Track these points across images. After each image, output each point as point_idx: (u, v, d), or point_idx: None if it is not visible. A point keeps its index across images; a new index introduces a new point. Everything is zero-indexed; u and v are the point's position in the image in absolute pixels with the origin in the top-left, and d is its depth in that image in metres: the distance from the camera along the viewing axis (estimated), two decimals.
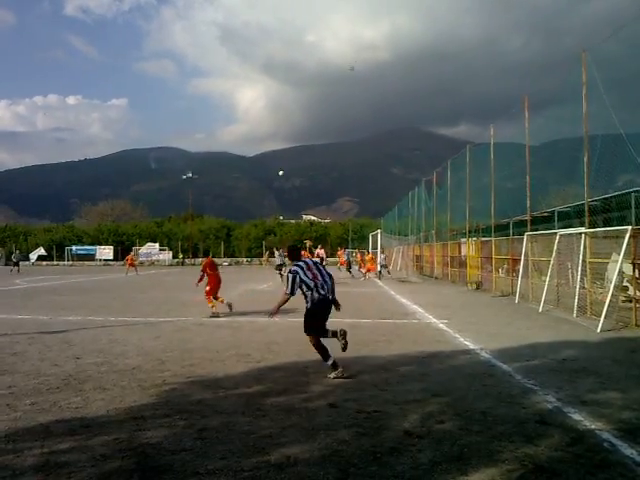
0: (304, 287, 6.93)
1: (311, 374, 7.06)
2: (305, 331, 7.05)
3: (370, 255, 33.38)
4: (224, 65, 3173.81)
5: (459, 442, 4.55)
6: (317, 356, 7.02)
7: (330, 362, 6.90)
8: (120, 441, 4.59)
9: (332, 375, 6.79)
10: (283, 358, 8.12)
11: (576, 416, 5.26)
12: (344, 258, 34.93)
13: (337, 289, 7.37)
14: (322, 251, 34.83)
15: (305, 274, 6.94)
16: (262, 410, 5.50)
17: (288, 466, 4.06)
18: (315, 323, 7.01)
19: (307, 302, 7.02)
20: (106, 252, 66.46)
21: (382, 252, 32.36)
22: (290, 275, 6.95)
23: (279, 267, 27.69)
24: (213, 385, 6.51)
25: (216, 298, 13.70)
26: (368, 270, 30.27)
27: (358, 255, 37.19)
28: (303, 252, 30.82)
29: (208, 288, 13.61)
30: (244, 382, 6.67)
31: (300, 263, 7.12)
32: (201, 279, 13.70)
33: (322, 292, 6.96)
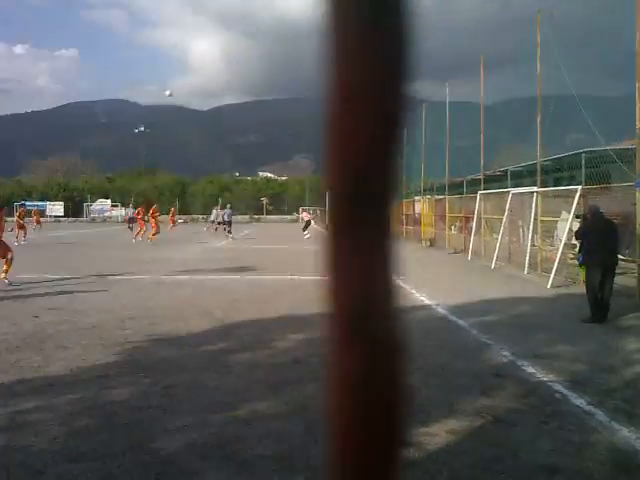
0: None
1: (275, 331, 7.13)
2: None
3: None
4: (177, 15, 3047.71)
5: (419, 395, 4.72)
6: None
7: None
8: (86, 399, 4.57)
9: None
10: (246, 316, 8.07)
11: (529, 369, 5.52)
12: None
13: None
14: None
15: None
16: (227, 367, 5.54)
17: (255, 420, 4.14)
18: None
19: None
20: (56, 208, 64.32)
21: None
22: None
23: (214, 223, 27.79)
24: (177, 343, 6.50)
25: None
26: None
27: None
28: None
29: None
30: (208, 340, 6.67)
31: None
32: None
33: None
